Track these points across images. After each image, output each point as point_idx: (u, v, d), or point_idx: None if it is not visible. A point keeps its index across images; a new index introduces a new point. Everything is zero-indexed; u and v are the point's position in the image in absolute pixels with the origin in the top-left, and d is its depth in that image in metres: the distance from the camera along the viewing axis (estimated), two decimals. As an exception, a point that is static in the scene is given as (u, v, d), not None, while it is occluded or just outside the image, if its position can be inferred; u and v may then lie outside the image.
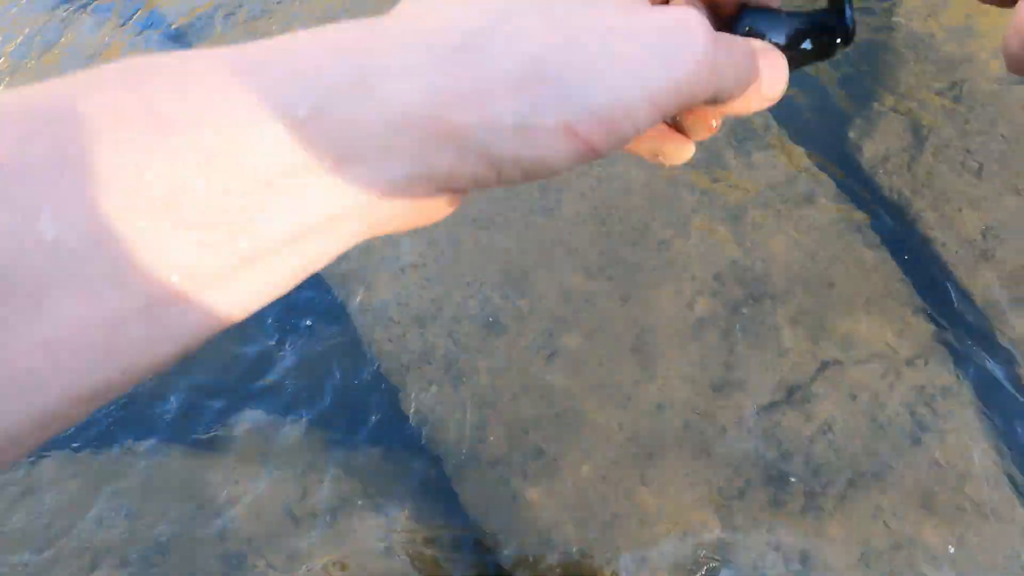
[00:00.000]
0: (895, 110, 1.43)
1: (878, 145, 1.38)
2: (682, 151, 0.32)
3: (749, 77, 0.27)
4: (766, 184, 1.33)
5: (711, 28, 0.25)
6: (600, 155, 0.25)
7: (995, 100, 1.43)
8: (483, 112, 0.23)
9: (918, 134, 1.39)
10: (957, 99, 1.44)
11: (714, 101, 0.27)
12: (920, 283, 1.22)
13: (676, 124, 0.32)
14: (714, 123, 0.31)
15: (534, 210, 1.32)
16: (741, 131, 1.40)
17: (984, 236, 1.26)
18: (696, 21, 0.25)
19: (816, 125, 1.41)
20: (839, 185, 1.32)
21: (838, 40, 0.32)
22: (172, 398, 1.24)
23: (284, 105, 0.21)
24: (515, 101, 0.23)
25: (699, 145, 0.33)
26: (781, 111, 1.42)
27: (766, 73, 0.28)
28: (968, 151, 1.36)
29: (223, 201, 0.20)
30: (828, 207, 1.30)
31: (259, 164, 0.20)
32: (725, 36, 0.26)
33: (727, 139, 1.39)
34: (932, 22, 1.58)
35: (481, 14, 0.24)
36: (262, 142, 0.21)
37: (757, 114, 1.42)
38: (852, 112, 1.43)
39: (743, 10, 0.32)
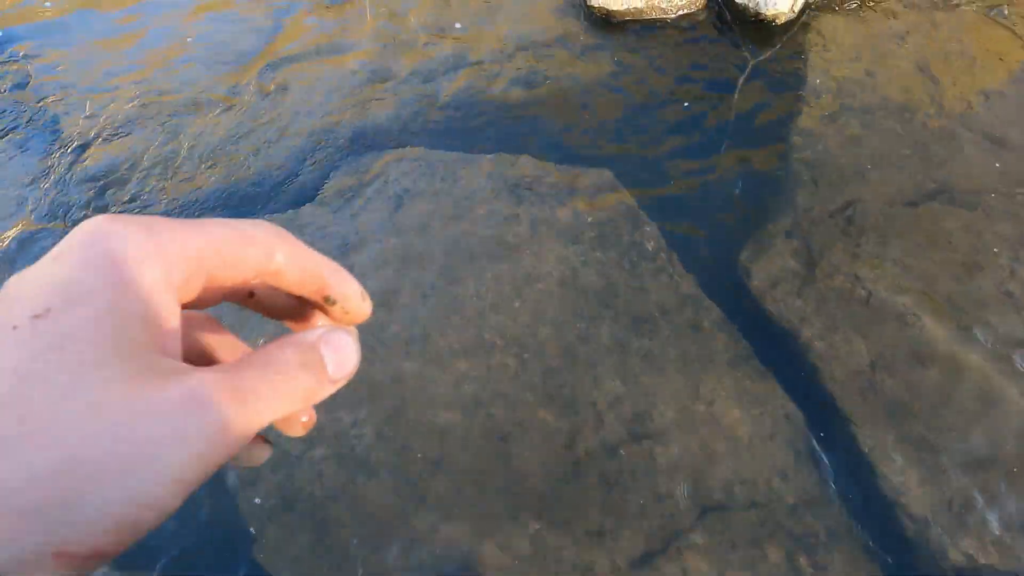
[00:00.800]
0: (788, 233, 1.43)
1: (768, 270, 1.37)
2: (255, 454, 0.30)
3: (305, 385, 0.26)
4: (654, 311, 1.30)
5: (225, 388, 0.23)
6: (123, 551, 0.21)
7: (887, 222, 1.44)
8: None
9: (809, 259, 1.39)
10: (849, 221, 1.44)
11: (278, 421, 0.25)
12: (808, 417, 1.19)
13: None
14: (305, 418, 0.29)
15: (410, 342, 1.27)
16: (633, 255, 1.38)
17: (872, 367, 1.24)
18: (206, 390, 0.23)
19: (708, 249, 1.40)
20: (727, 313, 1.30)
21: None
22: None
23: None
24: None
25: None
26: (673, 235, 1.41)
27: (330, 359, 0.27)
28: (857, 277, 1.36)
29: None
30: (715, 336, 1.27)
31: None
32: (259, 360, 0.25)
33: (618, 261, 1.37)
34: (830, 141, 1.60)
35: None
36: None
37: (648, 238, 1.41)
38: (745, 235, 1.42)
39: None
